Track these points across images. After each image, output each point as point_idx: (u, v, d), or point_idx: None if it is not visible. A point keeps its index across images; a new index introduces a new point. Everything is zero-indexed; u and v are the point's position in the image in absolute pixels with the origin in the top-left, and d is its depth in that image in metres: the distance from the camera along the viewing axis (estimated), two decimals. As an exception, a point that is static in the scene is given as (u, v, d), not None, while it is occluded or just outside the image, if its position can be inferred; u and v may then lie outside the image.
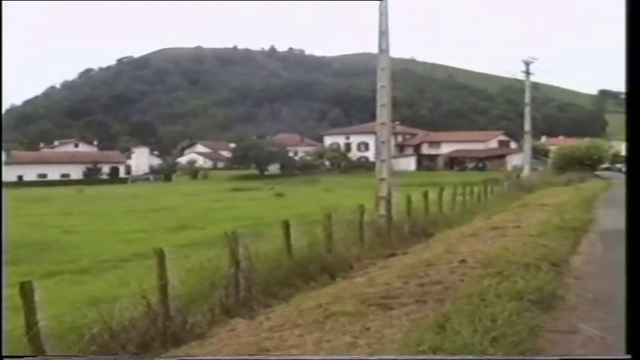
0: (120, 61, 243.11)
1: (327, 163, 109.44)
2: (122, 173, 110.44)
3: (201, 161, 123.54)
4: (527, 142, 65.75)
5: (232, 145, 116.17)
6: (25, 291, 7.84)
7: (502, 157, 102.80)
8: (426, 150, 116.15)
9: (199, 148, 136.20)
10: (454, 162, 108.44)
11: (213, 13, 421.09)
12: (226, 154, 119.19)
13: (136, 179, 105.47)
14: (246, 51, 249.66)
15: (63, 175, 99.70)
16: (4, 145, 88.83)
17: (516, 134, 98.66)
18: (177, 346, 9.25)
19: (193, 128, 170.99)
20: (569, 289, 9.45)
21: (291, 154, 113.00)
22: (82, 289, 15.16)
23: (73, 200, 55.37)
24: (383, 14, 21.21)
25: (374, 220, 19.36)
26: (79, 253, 23.00)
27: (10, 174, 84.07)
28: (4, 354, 7.11)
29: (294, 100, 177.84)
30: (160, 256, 9.81)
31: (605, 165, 78.47)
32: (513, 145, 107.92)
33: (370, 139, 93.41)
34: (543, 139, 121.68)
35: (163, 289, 9.73)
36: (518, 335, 6.34)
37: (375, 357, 6.35)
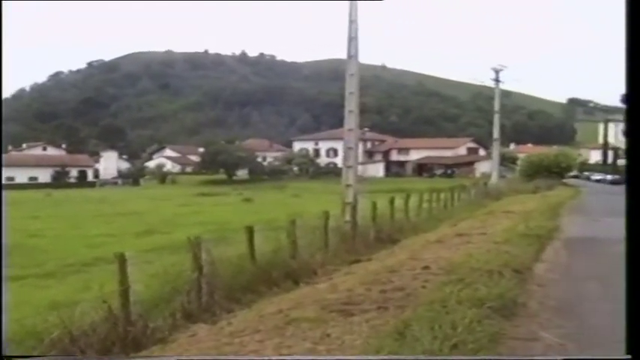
0: (90, 64, 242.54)
1: (295, 168, 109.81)
2: (90, 177, 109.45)
3: (169, 165, 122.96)
4: (496, 150, 66.00)
5: (201, 149, 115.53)
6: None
7: (471, 164, 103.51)
8: (395, 156, 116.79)
9: (168, 152, 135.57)
10: (423, 168, 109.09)
11: (185, 17, 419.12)
12: (195, 158, 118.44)
13: (104, 183, 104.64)
14: (217, 55, 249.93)
15: (31, 179, 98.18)
16: None
17: (485, 141, 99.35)
18: (137, 351, 9.20)
19: (163, 132, 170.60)
20: (532, 296, 9.49)
21: (259, 160, 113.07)
22: (46, 294, 15.18)
23: (40, 204, 55.18)
24: (353, 21, 21.29)
25: (339, 226, 19.35)
26: (45, 257, 22.97)
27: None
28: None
29: (265, 105, 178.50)
30: (122, 260, 9.74)
31: (574, 173, 79.35)
32: (482, 152, 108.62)
33: (339, 145, 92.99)
34: (512, 146, 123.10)
35: (125, 293, 9.67)
36: (478, 342, 6.33)
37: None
